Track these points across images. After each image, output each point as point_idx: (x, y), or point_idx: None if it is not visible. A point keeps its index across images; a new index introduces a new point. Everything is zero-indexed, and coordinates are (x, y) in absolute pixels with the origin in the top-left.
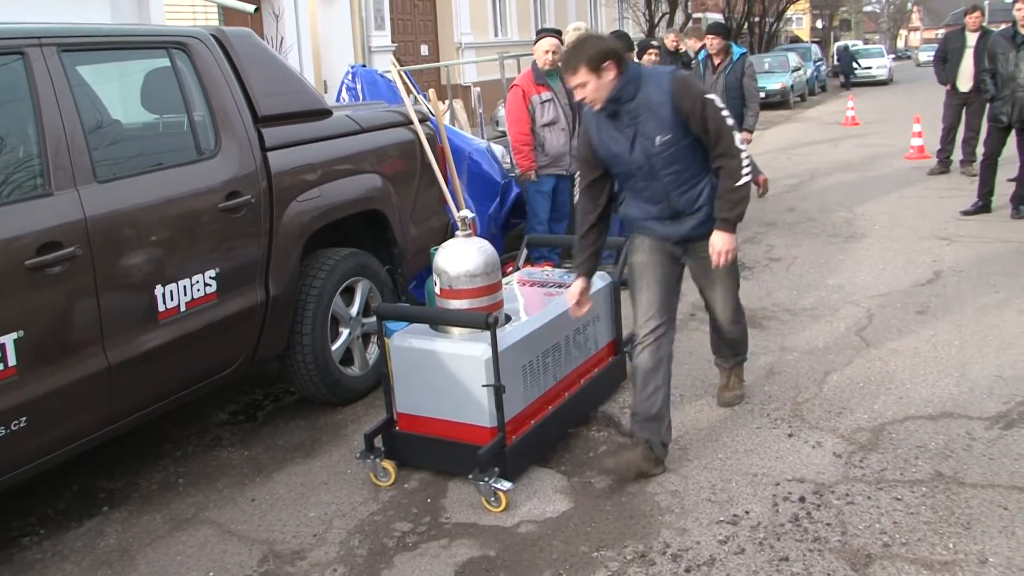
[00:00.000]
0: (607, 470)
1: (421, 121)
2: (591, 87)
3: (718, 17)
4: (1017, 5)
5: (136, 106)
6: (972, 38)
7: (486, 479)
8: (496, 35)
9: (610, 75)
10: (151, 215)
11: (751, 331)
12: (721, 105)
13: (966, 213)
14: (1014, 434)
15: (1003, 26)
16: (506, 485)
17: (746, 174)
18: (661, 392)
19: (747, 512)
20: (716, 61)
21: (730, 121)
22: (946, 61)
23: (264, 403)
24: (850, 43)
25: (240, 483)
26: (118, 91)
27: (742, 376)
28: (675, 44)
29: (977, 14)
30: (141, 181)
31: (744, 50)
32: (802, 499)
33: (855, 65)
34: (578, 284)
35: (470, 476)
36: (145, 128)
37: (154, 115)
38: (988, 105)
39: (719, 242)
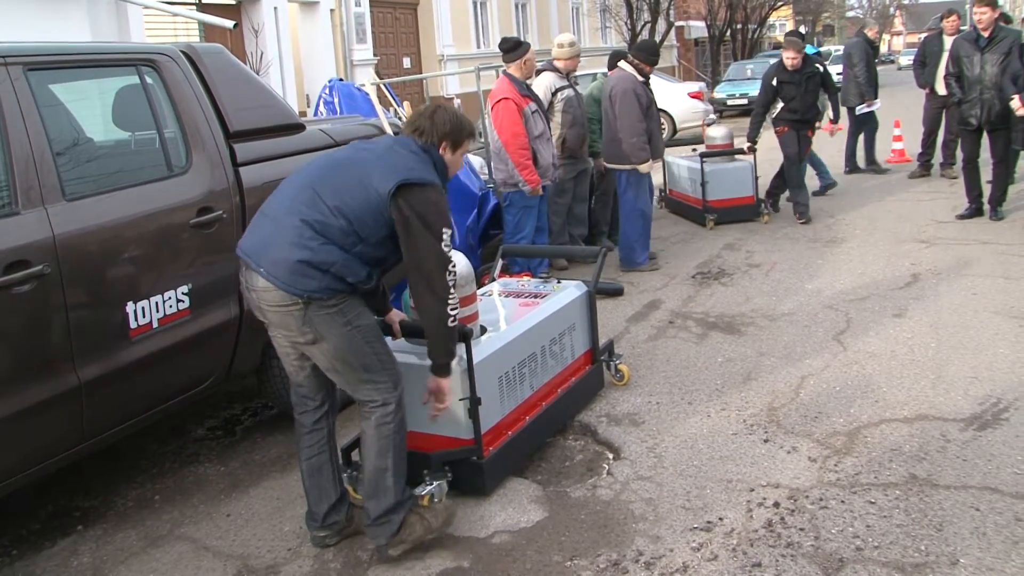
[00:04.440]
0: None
1: (396, 134)
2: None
3: (700, 25)
4: (974, 9)
5: (106, 123)
6: (949, 42)
7: (432, 482)
8: (478, 47)
9: None
10: (121, 232)
11: (729, 337)
12: None
13: (961, 217)
14: (988, 435)
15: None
16: (433, 486)
17: None
18: None
19: (721, 519)
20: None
21: None
22: (925, 65)
23: (243, 418)
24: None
25: (216, 498)
26: (87, 109)
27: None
28: (876, 35)
29: (954, 18)
30: (111, 198)
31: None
32: (776, 504)
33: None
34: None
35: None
36: (115, 145)
37: (125, 132)
38: (958, 109)
39: None
